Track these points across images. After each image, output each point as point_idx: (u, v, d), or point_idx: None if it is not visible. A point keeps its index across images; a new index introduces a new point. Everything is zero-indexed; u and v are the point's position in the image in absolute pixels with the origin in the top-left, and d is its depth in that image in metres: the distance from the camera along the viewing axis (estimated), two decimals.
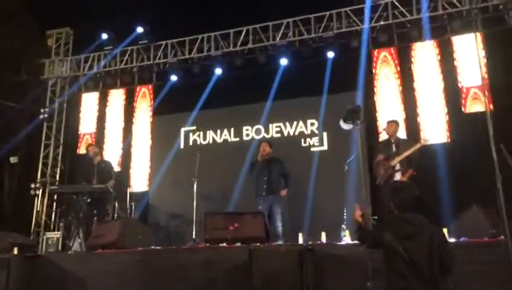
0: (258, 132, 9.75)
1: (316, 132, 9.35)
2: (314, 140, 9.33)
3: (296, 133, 9.54)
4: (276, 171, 7.30)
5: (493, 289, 3.83)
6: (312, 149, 9.28)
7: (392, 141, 6.61)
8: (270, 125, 9.67)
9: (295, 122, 9.57)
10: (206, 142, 10.07)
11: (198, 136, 10.09)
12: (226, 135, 10.01)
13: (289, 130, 9.61)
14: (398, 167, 6.31)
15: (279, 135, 9.59)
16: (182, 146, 10.16)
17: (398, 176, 6.33)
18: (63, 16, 11.28)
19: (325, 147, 9.23)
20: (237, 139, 9.91)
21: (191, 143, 10.14)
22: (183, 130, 10.21)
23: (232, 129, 9.97)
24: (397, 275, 3.07)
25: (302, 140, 9.44)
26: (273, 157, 7.48)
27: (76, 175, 9.12)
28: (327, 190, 8.46)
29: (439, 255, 3.03)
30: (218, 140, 10.03)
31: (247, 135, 9.85)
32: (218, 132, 10.05)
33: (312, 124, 9.44)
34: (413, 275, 3.00)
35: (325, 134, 9.27)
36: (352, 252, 4.42)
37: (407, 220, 3.20)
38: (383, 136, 7.33)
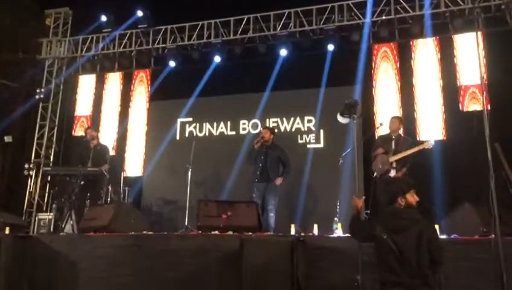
0: (254, 126, 9.69)
1: (313, 129, 9.32)
2: (311, 137, 9.31)
3: (293, 130, 9.50)
4: (273, 159, 7.14)
5: (482, 287, 3.86)
6: (308, 146, 9.25)
7: (393, 137, 6.61)
8: (267, 120, 9.59)
9: (292, 118, 9.53)
10: (202, 134, 10.02)
11: (195, 127, 10.04)
12: (223, 128, 9.96)
13: (286, 125, 9.56)
14: (394, 164, 6.34)
15: (275, 130, 9.53)
16: (177, 137, 10.12)
17: (393, 173, 6.36)
18: None
19: (321, 145, 9.21)
20: (233, 132, 9.85)
21: (187, 135, 10.09)
22: (179, 120, 10.16)
23: (229, 122, 9.92)
24: (387, 268, 3.11)
25: (299, 136, 9.41)
26: (272, 144, 7.33)
27: (71, 157, 9.08)
28: (321, 183, 8.50)
29: (429, 249, 3.07)
30: (215, 133, 9.98)
31: (244, 128, 9.80)
32: (215, 124, 10.00)
33: (309, 121, 9.41)
34: (402, 269, 3.04)
35: (321, 131, 9.24)
36: (343, 245, 4.43)
37: (398, 214, 3.26)
38: (381, 131, 7.34)
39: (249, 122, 9.78)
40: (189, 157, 7.16)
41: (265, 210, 6.85)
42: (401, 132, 6.98)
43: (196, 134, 10.00)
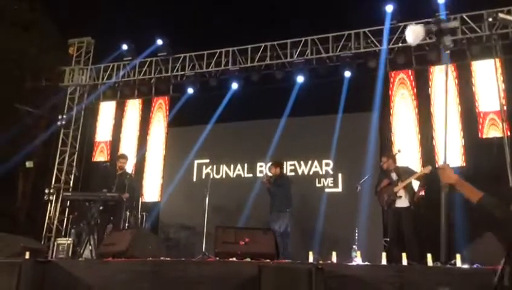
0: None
1: (331, 172, 9.23)
2: (329, 181, 9.22)
3: (311, 173, 9.42)
4: (279, 190, 7.35)
5: None
6: (326, 190, 9.13)
7: (392, 169, 6.59)
8: (285, 163, 9.43)
9: (310, 162, 9.45)
10: (219, 176, 9.99)
11: (211, 169, 9.98)
12: (240, 170, 9.91)
13: (303, 169, 9.49)
14: (400, 193, 6.31)
15: (293, 174, 9.45)
16: (194, 179, 10.12)
17: (399, 203, 6.32)
18: (85, 26, 11.54)
19: (339, 189, 9.11)
20: (251, 175, 9.77)
21: (203, 176, 10.02)
22: (196, 162, 10.17)
23: (246, 165, 9.87)
24: None
25: (317, 180, 9.31)
26: (279, 176, 7.54)
27: (92, 182, 9.18)
28: (339, 211, 8.41)
29: None
30: (232, 175, 9.95)
31: (261, 171, 9.67)
32: (232, 166, 9.98)
33: (327, 165, 9.33)
34: None
35: (339, 175, 9.16)
36: (362, 273, 4.37)
37: None
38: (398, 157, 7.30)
39: (266, 165, 9.59)
40: (207, 182, 7.23)
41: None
42: (419, 156, 6.95)
43: (213, 176, 9.81)
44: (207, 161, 10.06)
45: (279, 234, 6.93)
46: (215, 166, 10.01)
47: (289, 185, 7.50)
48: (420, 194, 6.45)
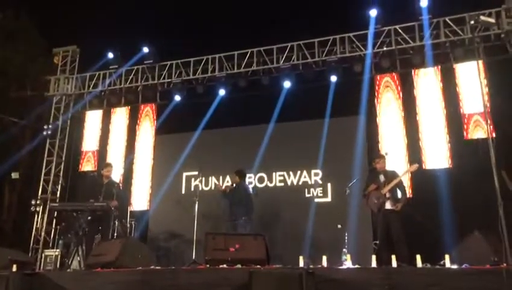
0: (261, 179, 9.65)
1: (320, 182, 9.24)
2: (318, 191, 9.23)
3: (300, 183, 9.43)
4: (238, 198, 7.56)
5: None
6: (316, 200, 9.13)
7: (381, 172, 6.68)
8: (274, 173, 9.55)
9: (299, 172, 9.47)
10: (208, 188, 9.94)
11: (200, 181, 9.77)
12: (228, 182, 9.64)
13: (293, 179, 9.50)
14: (388, 195, 6.38)
15: (282, 184, 9.48)
16: (183, 191, 10.07)
17: (388, 205, 6.38)
18: (70, 34, 11.46)
19: (328, 199, 9.12)
20: None
21: (192, 189, 9.94)
22: (184, 174, 10.11)
23: None
24: None
25: (306, 190, 9.32)
26: (237, 186, 7.76)
27: (80, 192, 9.09)
28: (328, 214, 8.44)
29: None
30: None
31: (250, 183, 9.46)
32: (221, 178, 9.92)
33: (316, 174, 9.35)
34: None
35: (329, 185, 9.18)
36: (353, 277, 4.38)
37: None
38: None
39: (255, 176, 9.62)
40: (196, 190, 7.22)
41: None
42: (406, 159, 7.04)
43: (202, 188, 9.64)
44: (195, 173, 9.81)
45: None
46: (203, 178, 9.90)
47: (245, 192, 7.64)
48: (405, 198, 6.52)
